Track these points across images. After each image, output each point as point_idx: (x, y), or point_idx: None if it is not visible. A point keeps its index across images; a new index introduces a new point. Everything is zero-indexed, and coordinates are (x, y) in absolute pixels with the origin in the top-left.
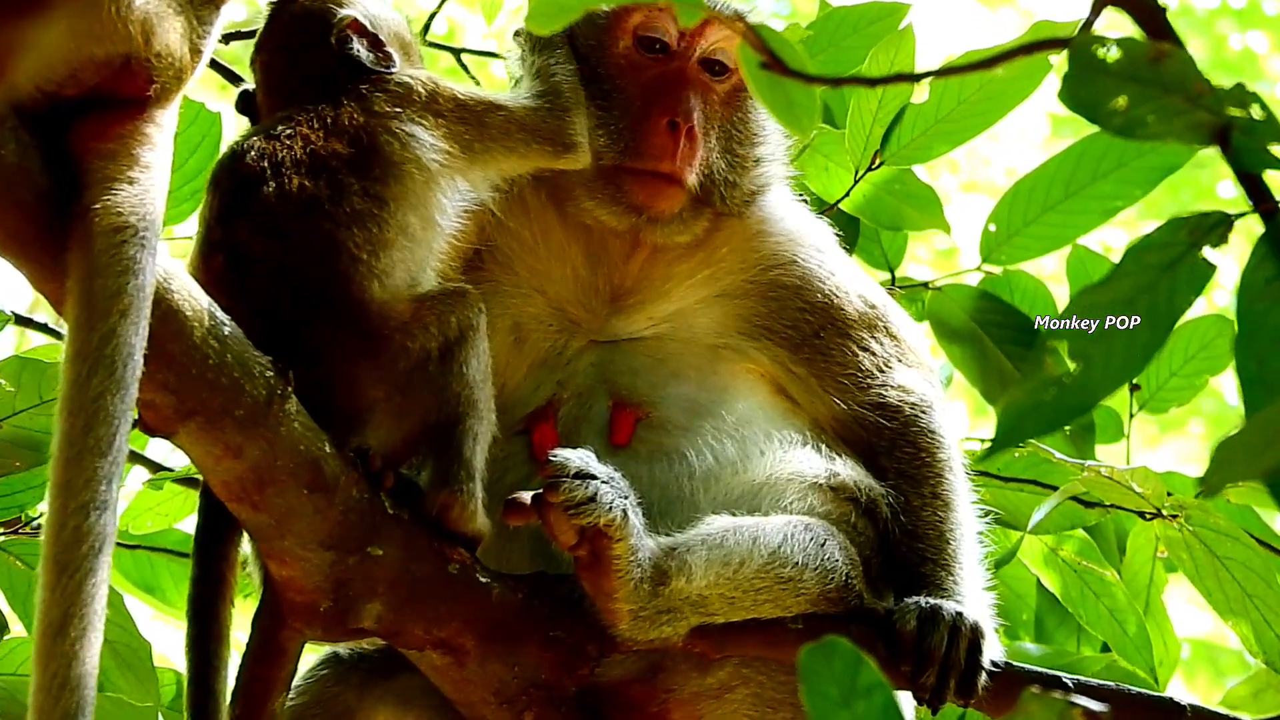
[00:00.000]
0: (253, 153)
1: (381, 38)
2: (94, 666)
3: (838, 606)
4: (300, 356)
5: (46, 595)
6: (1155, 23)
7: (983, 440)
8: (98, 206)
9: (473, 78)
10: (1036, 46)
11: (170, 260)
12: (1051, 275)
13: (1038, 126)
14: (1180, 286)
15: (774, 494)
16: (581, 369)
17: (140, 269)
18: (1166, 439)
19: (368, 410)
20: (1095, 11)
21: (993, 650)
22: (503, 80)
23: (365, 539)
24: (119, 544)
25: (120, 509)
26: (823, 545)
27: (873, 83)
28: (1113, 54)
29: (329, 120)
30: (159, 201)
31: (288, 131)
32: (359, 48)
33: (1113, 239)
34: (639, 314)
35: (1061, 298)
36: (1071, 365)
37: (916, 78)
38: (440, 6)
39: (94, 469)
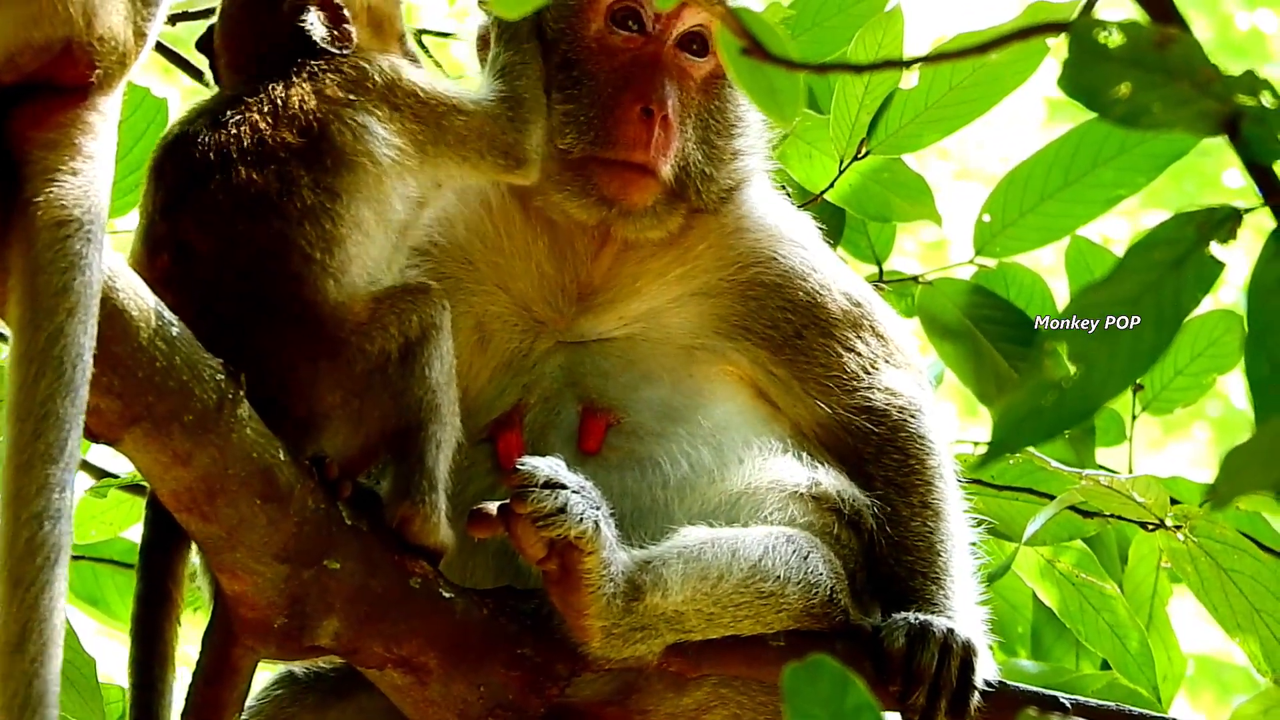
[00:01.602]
0: (199, 142)
1: (345, 12)
2: (55, 683)
3: (822, 623)
4: (251, 359)
5: (1, 611)
6: (1160, 5)
7: (975, 443)
8: (40, 199)
9: (435, 61)
10: (1033, 31)
11: (115, 256)
12: (1049, 268)
13: (1033, 111)
14: (1187, 285)
15: (753, 504)
16: (549, 372)
17: (86, 264)
18: (1171, 441)
19: (323, 416)
20: None
21: (986, 668)
22: (462, 64)
23: (321, 552)
24: None
25: None
26: (806, 558)
27: (860, 69)
28: (1115, 38)
29: (279, 104)
30: (104, 193)
31: (236, 118)
32: (313, 20)
33: (1113, 230)
34: (609, 313)
35: (1060, 292)
36: (1072, 367)
37: (905, 64)
38: None
39: (45, 476)
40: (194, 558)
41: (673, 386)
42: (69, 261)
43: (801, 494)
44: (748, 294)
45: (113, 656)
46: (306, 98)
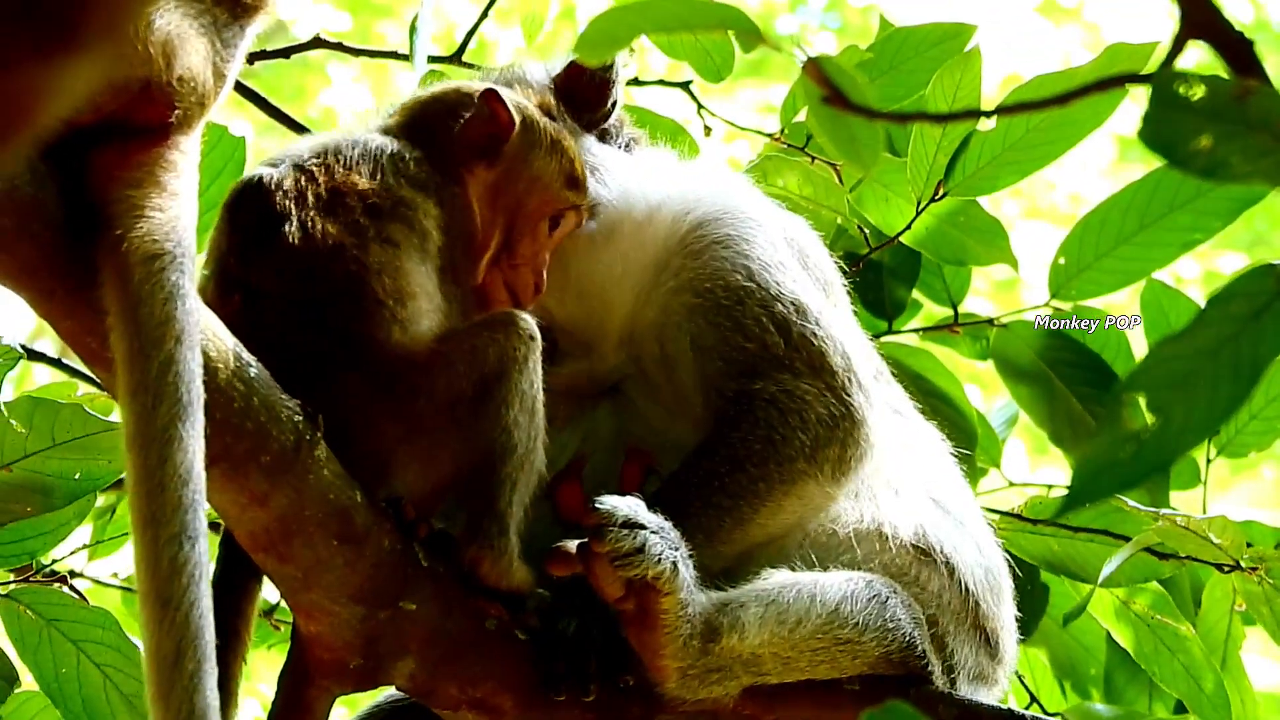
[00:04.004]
0: (277, 187)
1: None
2: (215, 698)
3: (899, 669)
4: (320, 399)
5: (155, 630)
6: (1240, 56)
7: (1049, 486)
8: (133, 234)
9: None
10: (1113, 81)
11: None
12: (1124, 308)
13: (1104, 150)
14: (1265, 337)
15: (818, 547)
16: (601, 419)
17: (185, 294)
18: (1238, 481)
19: (391, 453)
20: (1178, 46)
21: None
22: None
23: (397, 593)
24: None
25: None
26: (885, 603)
27: (939, 119)
28: (1196, 91)
29: (358, 162)
30: (191, 229)
31: (315, 162)
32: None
33: (1185, 270)
34: (604, 344)
35: (1135, 335)
36: (1150, 418)
37: (985, 114)
38: (477, 25)
39: (179, 497)
40: (270, 594)
41: (694, 425)
42: (168, 292)
43: (870, 532)
44: (701, 275)
45: None
46: (397, 173)
